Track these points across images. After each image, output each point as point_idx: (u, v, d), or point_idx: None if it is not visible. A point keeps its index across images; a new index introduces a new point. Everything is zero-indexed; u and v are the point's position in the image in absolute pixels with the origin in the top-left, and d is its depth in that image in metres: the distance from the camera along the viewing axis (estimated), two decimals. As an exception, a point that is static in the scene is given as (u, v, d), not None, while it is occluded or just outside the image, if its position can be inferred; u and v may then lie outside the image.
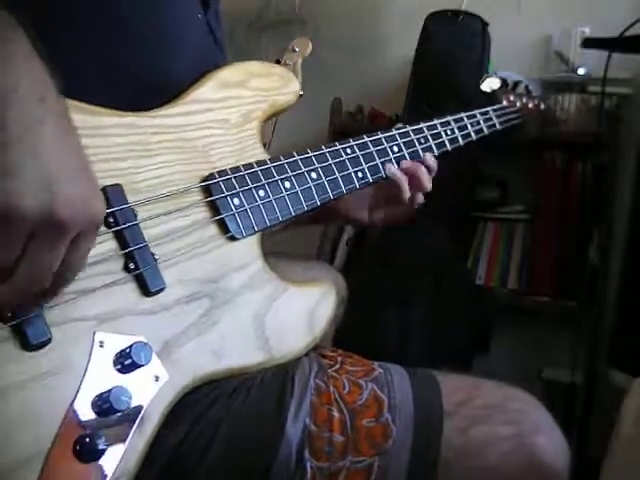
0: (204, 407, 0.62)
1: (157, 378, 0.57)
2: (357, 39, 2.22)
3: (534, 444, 0.64)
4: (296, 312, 0.71)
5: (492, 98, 1.18)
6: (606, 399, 1.63)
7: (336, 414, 0.64)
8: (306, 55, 1.62)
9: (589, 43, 1.70)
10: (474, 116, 1.04)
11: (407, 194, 0.88)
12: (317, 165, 0.78)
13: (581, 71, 1.83)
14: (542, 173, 1.86)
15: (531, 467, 0.63)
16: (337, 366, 0.71)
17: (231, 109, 0.73)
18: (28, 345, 0.51)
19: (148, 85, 0.68)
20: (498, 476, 0.63)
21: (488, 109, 1.09)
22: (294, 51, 1.62)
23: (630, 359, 1.53)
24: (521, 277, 1.86)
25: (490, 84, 1.20)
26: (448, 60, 1.80)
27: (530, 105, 1.23)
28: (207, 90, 0.72)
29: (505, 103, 1.16)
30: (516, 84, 1.25)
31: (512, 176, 1.97)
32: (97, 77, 0.64)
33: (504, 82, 1.21)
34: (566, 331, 1.73)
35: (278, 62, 1.61)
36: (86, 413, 0.53)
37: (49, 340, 0.52)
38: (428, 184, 0.91)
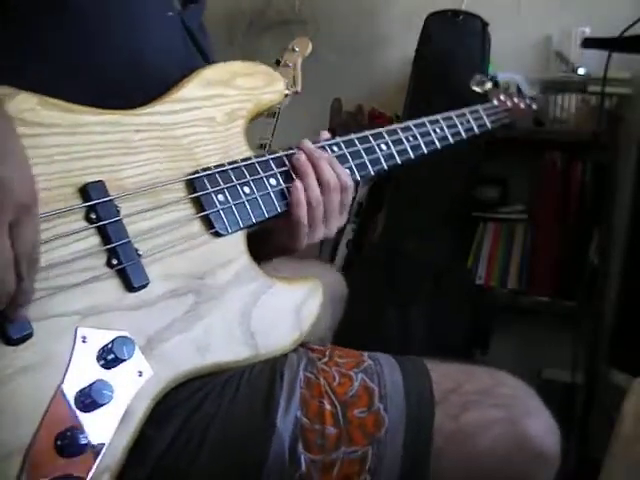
0: (194, 405, 0.62)
1: (141, 373, 0.57)
2: (357, 39, 2.21)
3: (525, 427, 0.64)
4: (282, 308, 0.71)
5: (483, 98, 1.17)
6: (606, 399, 1.63)
7: (327, 406, 0.64)
8: (306, 55, 1.62)
9: (589, 43, 1.70)
10: (463, 115, 1.03)
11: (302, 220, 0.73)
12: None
13: (581, 71, 1.82)
14: (542, 173, 1.86)
15: (523, 450, 0.64)
16: (326, 359, 0.71)
17: (217, 107, 0.73)
18: (10, 339, 0.51)
19: (118, 81, 0.68)
20: (490, 460, 0.64)
21: (478, 107, 1.08)
22: (294, 51, 1.62)
23: (630, 359, 1.54)
24: (521, 277, 1.86)
25: (480, 84, 1.20)
26: (448, 60, 1.80)
27: (522, 105, 1.23)
28: (192, 89, 0.72)
29: (496, 103, 1.15)
30: (508, 85, 1.25)
31: (512, 176, 1.97)
32: (69, 76, 0.65)
33: (495, 82, 1.21)
34: (566, 331, 1.73)
35: (278, 62, 1.61)
36: (68, 408, 0.53)
37: (30, 334, 0.52)
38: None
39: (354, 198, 2.05)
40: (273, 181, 0.73)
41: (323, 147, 0.79)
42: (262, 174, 0.72)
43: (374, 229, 2.03)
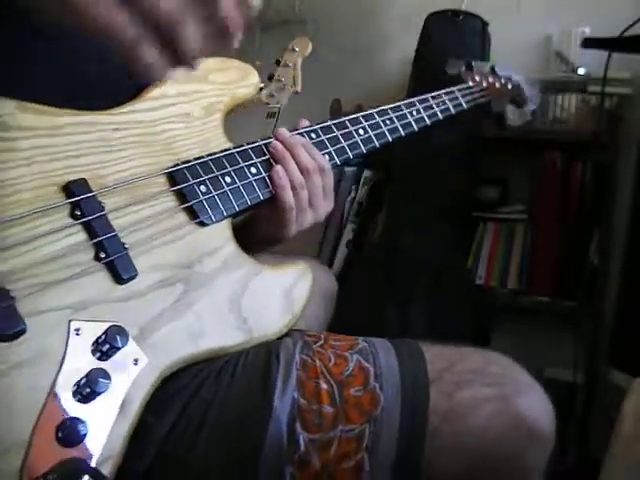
0: (192, 392, 0.63)
1: (136, 361, 0.58)
2: (357, 39, 2.22)
3: (518, 404, 0.64)
4: (272, 292, 0.72)
5: (458, 80, 1.19)
6: (606, 399, 1.63)
7: (324, 386, 0.64)
8: (306, 55, 1.62)
9: (589, 43, 1.70)
10: (439, 96, 1.06)
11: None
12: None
13: (581, 71, 1.83)
14: (542, 173, 1.86)
15: (515, 428, 0.64)
16: (321, 342, 0.71)
17: (192, 103, 0.75)
18: (3, 336, 0.51)
19: (103, 94, 0.68)
20: (485, 438, 0.64)
21: (453, 89, 1.10)
22: (294, 51, 1.62)
23: (630, 359, 1.54)
24: (521, 277, 1.86)
25: (454, 66, 1.22)
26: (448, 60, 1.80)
27: (497, 84, 1.24)
28: (168, 86, 0.73)
29: (471, 83, 1.17)
30: (480, 65, 1.27)
31: (512, 176, 1.97)
32: (63, 88, 0.65)
33: (468, 63, 1.23)
34: (566, 331, 1.73)
35: (278, 62, 1.61)
36: (67, 399, 0.53)
37: (24, 330, 0.52)
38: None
39: (354, 198, 2.05)
40: (254, 170, 0.74)
41: (301, 134, 0.81)
42: (242, 163, 0.74)
43: (374, 229, 2.03)
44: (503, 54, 1.90)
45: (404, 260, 1.79)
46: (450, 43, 1.84)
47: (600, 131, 1.67)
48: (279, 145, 0.77)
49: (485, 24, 1.87)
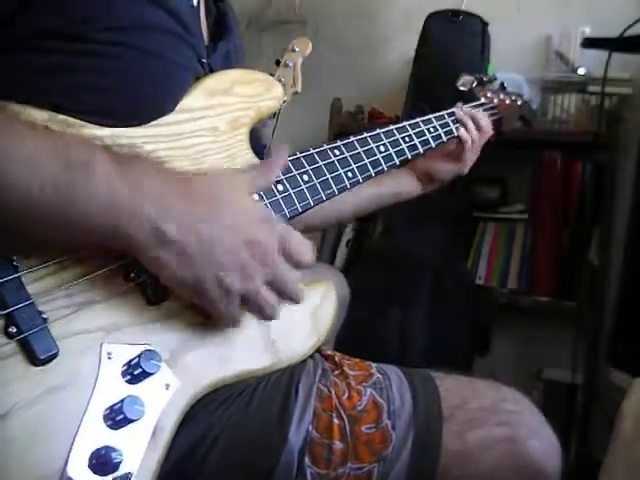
0: (208, 413, 0.62)
1: (168, 386, 0.57)
2: (357, 39, 2.22)
3: (527, 447, 0.64)
4: (299, 314, 0.70)
5: (469, 96, 1.19)
6: (606, 399, 1.63)
7: (336, 420, 0.64)
8: (306, 55, 1.62)
9: (589, 43, 1.70)
10: (453, 114, 1.06)
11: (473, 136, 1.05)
12: (307, 167, 0.77)
13: (581, 71, 1.83)
14: (542, 173, 1.86)
15: (523, 471, 0.64)
16: (338, 371, 0.71)
17: (219, 116, 0.73)
18: (36, 360, 0.50)
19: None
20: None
21: (468, 106, 1.11)
22: (294, 51, 1.62)
23: (630, 359, 1.54)
24: (521, 277, 1.86)
25: (466, 82, 1.22)
26: (448, 60, 1.80)
27: (507, 101, 1.24)
28: (194, 99, 0.71)
29: (483, 100, 1.17)
30: (490, 81, 1.27)
31: (512, 176, 1.97)
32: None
33: (480, 80, 1.22)
34: (566, 331, 1.73)
35: (278, 62, 1.61)
36: (99, 426, 0.52)
37: (56, 354, 0.51)
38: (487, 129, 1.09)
39: (354, 198, 2.05)
40: (281, 187, 0.73)
41: (326, 152, 0.80)
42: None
43: (374, 229, 2.03)
44: (503, 54, 1.90)
45: (404, 261, 1.79)
46: (450, 43, 1.84)
47: (600, 131, 1.67)
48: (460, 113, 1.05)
49: (485, 24, 1.87)
